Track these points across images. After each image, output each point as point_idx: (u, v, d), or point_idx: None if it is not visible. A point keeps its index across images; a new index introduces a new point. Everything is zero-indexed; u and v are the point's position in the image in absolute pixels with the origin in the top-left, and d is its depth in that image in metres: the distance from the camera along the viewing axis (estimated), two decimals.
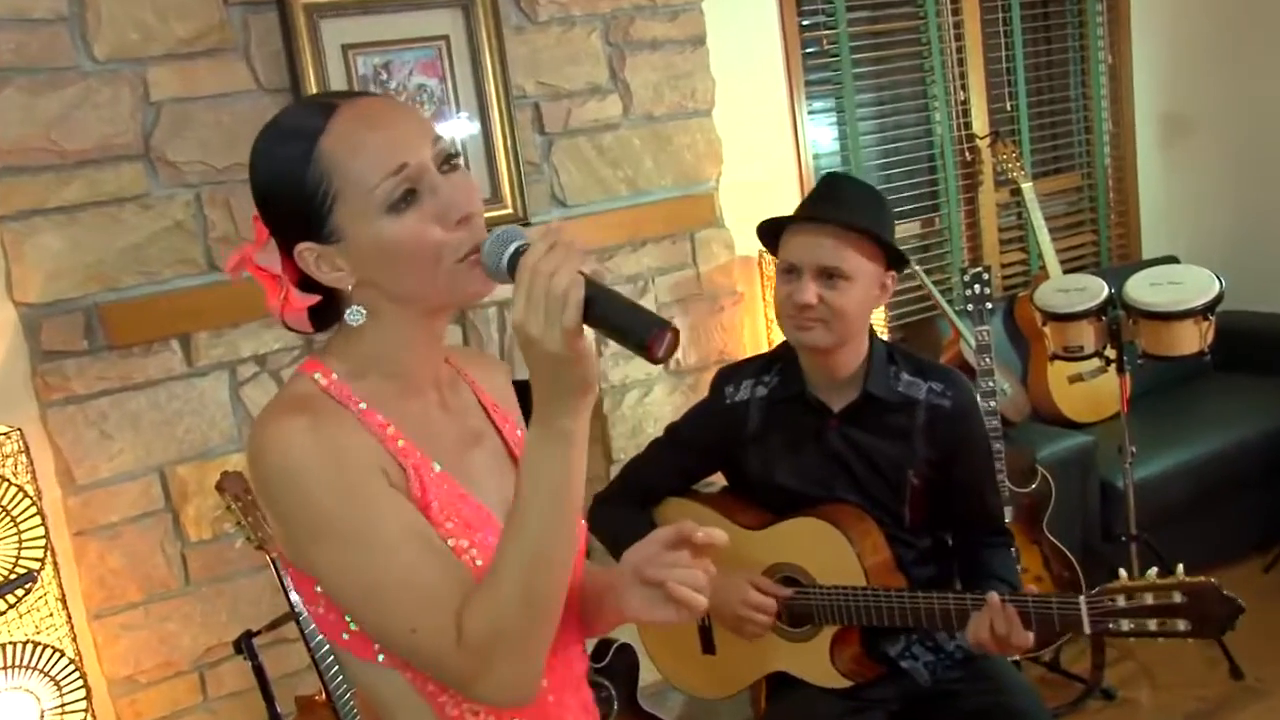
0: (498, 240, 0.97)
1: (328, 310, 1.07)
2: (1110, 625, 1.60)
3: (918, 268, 3.20)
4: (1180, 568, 1.57)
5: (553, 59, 2.68)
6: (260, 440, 0.98)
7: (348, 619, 1.02)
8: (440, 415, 1.12)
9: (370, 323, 1.05)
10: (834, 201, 1.83)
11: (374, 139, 0.99)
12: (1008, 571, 1.89)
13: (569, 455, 0.96)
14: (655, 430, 2.36)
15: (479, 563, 1.02)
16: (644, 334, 0.90)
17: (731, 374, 2.02)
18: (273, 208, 1.03)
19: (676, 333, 0.91)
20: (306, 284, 1.05)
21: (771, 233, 1.91)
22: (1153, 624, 1.56)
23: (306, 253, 1.02)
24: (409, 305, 1.04)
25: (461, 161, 1.07)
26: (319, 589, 1.02)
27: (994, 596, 1.69)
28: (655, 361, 0.92)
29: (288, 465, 0.96)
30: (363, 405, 1.03)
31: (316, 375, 1.05)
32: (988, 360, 2.71)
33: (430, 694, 1.05)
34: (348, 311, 1.04)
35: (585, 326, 0.91)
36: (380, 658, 1.04)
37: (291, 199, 1.00)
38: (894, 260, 1.85)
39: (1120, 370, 2.81)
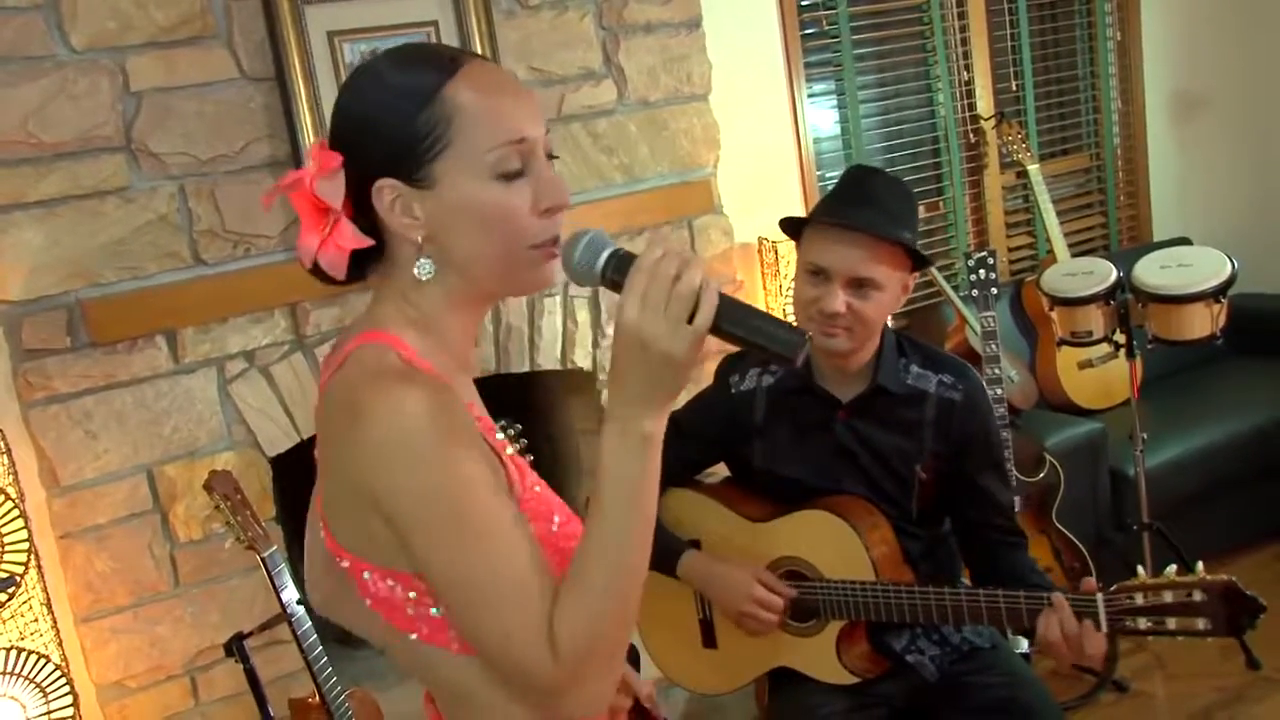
0: (592, 243, 0.96)
1: (360, 266, 1.02)
2: (1128, 623, 1.56)
3: (936, 272, 3.14)
4: (1200, 565, 1.53)
5: (545, 44, 2.62)
6: (372, 405, 0.91)
7: (433, 610, 0.97)
8: (477, 395, 1.10)
9: (427, 287, 1.00)
10: (865, 202, 1.77)
11: (505, 104, 0.98)
12: (1039, 576, 1.83)
13: (651, 461, 0.94)
14: None
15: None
16: (788, 346, 0.92)
17: (736, 363, 1.99)
18: (367, 136, 0.98)
19: (810, 339, 0.93)
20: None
21: (795, 225, 1.86)
22: (1171, 623, 1.53)
23: (387, 190, 0.97)
24: (467, 278, 1.01)
25: None
26: (389, 583, 0.96)
27: (1059, 596, 1.62)
28: (794, 367, 0.94)
29: (409, 437, 0.90)
30: (446, 383, 0.99)
31: (398, 350, 0.99)
32: (994, 346, 2.66)
33: None
34: (417, 264, 0.99)
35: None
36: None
37: (396, 131, 0.96)
38: (918, 261, 1.81)
39: (1130, 355, 2.76)
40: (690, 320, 0.90)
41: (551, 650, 0.91)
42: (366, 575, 0.98)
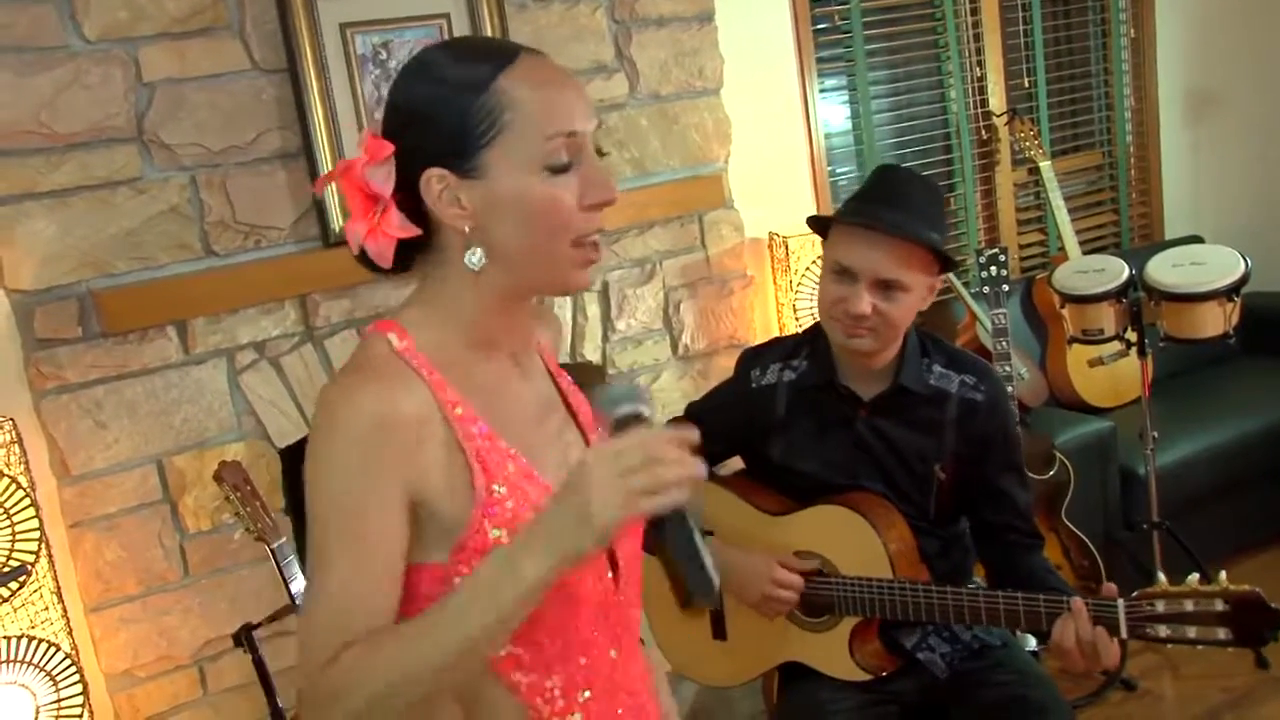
0: (627, 394, 0.97)
1: (405, 255, 1.03)
2: (1148, 630, 1.55)
3: (954, 278, 3.13)
4: (1224, 575, 1.52)
5: (557, 37, 2.61)
6: (324, 400, 0.97)
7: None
8: (520, 386, 1.09)
9: (463, 278, 1.01)
10: (894, 203, 1.75)
11: (560, 96, 0.98)
12: (1056, 579, 1.81)
13: (510, 603, 0.92)
14: (667, 414, 2.30)
15: None
16: (693, 588, 0.93)
17: (757, 356, 1.98)
18: (420, 124, 0.98)
19: (717, 599, 0.94)
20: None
21: (822, 226, 1.86)
22: (1192, 631, 1.51)
23: (435, 179, 0.98)
24: (508, 270, 1.01)
25: None
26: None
27: (1079, 602, 1.60)
28: (685, 607, 0.95)
29: (327, 430, 0.95)
30: (437, 377, 1.00)
31: (391, 336, 1.01)
32: (1004, 344, 2.66)
33: (511, 681, 1.02)
34: (467, 254, 1.00)
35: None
36: None
37: (449, 119, 0.97)
38: (945, 263, 1.80)
39: (1141, 353, 2.75)
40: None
41: (321, 670, 0.93)
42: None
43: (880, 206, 1.76)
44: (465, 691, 1.02)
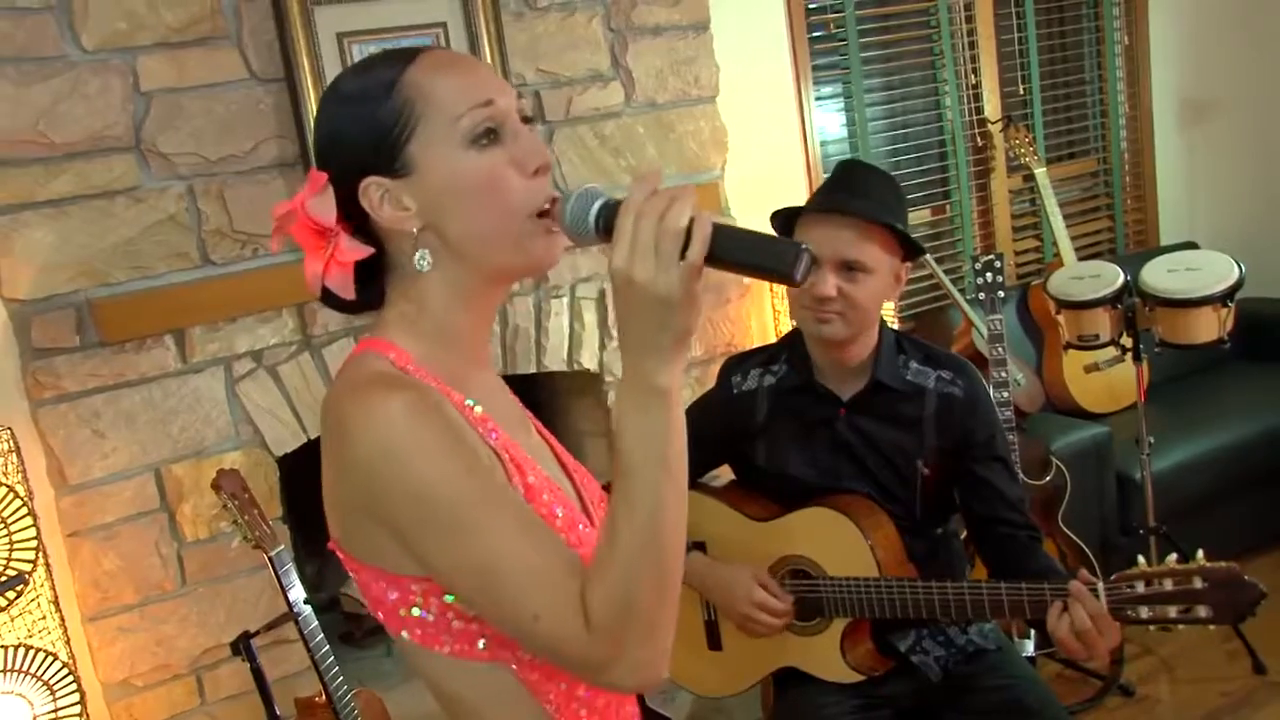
0: (582, 196, 0.93)
1: (370, 284, 1.01)
2: (1129, 612, 1.56)
3: (931, 259, 3.14)
4: (1201, 553, 1.53)
5: (553, 46, 2.63)
6: (351, 419, 0.91)
7: (450, 617, 0.96)
8: (501, 393, 1.08)
9: (430, 283, 0.99)
10: (852, 190, 1.80)
11: (466, 76, 0.97)
12: (1054, 571, 1.80)
13: (671, 413, 0.89)
14: None
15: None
16: (784, 262, 0.86)
17: (738, 364, 1.99)
18: (341, 143, 0.98)
19: (812, 254, 0.87)
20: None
21: (786, 221, 1.87)
22: (1173, 611, 1.52)
23: (372, 188, 0.97)
24: (472, 262, 0.99)
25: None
26: (415, 587, 0.95)
27: (1077, 585, 1.60)
28: (798, 286, 0.88)
29: (395, 443, 0.89)
30: (444, 385, 0.98)
31: (390, 355, 0.98)
32: (1000, 350, 2.66)
33: (541, 692, 1.00)
34: (416, 256, 0.97)
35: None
36: (481, 644, 0.97)
37: (365, 129, 0.96)
38: (910, 251, 1.82)
39: (1137, 359, 2.75)
40: (683, 256, 0.86)
41: (585, 623, 0.89)
42: (363, 577, 0.98)
43: (839, 194, 1.81)
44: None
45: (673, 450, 0.90)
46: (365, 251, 0.98)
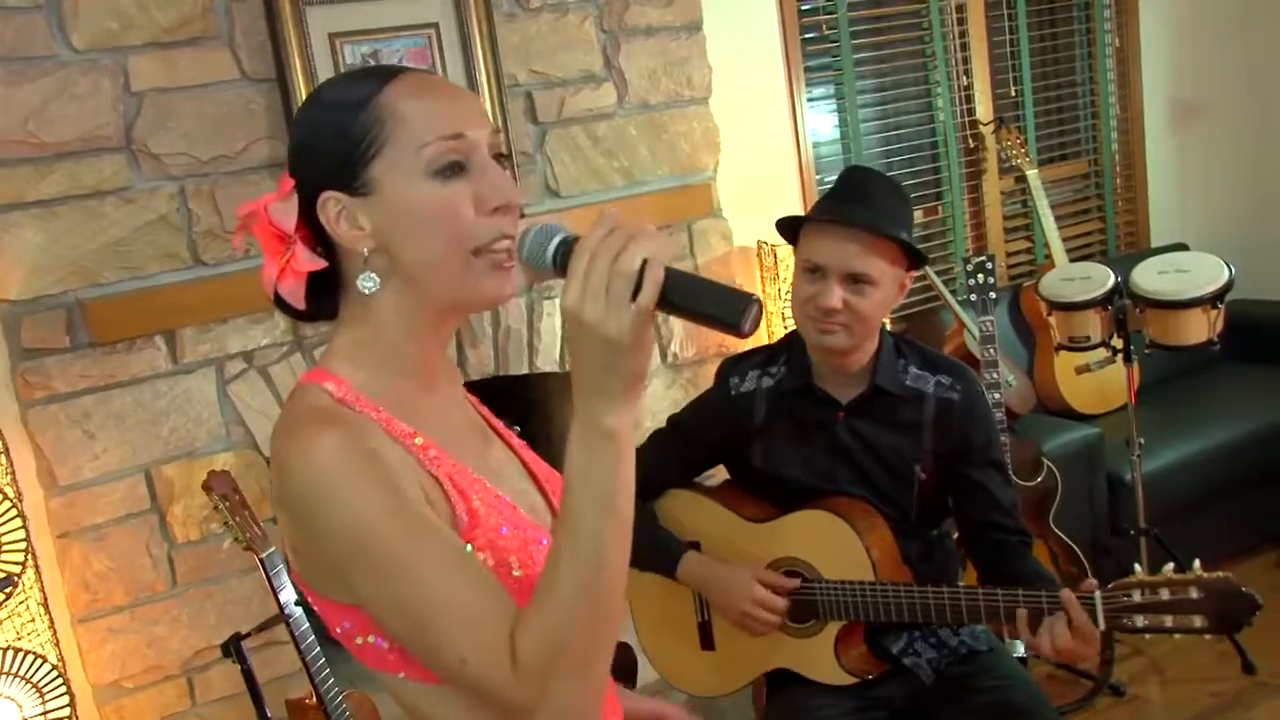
0: (541, 231, 0.92)
1: (324, 297, 1.01)
2: (1125, 621, 1.57)
3: (930, 271, 3.14)
4: (1197, 563, 1.54)
5: (545, 47, 2.62)
6: (287, 457, 0.91)
7: (370, 639, 0.96)
8: (458, 411, 1.08)
9: (382, 308, 0.98)
10: (860, 200, 1.79)
11: (443, 104, 0.97)
12: (1045, 577, 1.81)
13: (618, 456, 0.89)
14: (654, 424, 2.31)
15: (516, 573, 0.95)
16: (732, 313, 0.85)
17: (736, 365, 1.99)
18: (309, 152, 0.98)
19: (761, 304, 0.86)
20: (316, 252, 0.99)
21: (791, 227, 1.87)
22: (1168, 620, 1.53)
23: (330, 202, 0.96)
24: (423, 291, 0.98)
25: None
26: (338, 616, 0.96)
27: (1068, 594, 1.61)
28: (744, 337, 0.87)
29: (323, 483, 0.89)
30: (385, 414, 0.97)
31: (328, 385, 0.97)
32: (992, 351, 2.67)
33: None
34: (360, 277, 0.96)
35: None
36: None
37: (333, 141, 0.96)
38: (914, 259, 1.82)
39: (1127, 360, 2.76)
40: (634, 299, 0.84)
41: (512, 666, 0.88)
42: (319, 606, 0.98)
43: (847, 204, 1.79)
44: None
45: (618, 492, 0.89)
46: (318, 264, 0.98)
